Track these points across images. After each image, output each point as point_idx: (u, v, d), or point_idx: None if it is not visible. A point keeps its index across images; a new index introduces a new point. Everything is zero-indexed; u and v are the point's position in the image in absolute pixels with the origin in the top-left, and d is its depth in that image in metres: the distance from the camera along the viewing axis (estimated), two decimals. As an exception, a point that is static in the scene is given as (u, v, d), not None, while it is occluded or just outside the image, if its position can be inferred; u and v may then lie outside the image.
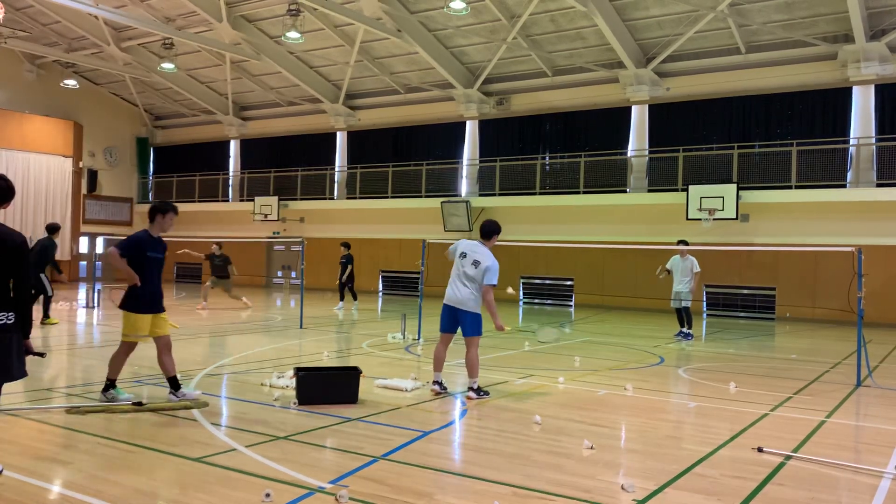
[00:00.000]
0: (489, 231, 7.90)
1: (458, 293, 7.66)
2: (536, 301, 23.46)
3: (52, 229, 13.96)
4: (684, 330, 13.86)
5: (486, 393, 7.72)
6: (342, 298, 19.44)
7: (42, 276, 13.36)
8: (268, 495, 4.34)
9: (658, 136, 21.94)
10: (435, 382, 7.81)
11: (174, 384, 7.14)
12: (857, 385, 8.99)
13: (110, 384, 7.06)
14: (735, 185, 19.32)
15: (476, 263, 7.65)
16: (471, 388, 7.65)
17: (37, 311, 13.24)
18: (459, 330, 7.74)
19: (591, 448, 5.72)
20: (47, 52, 27.21)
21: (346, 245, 19.64)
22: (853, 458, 5.78)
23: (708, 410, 7.50)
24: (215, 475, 4.88)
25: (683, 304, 13.67)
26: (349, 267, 19.21)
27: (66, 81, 29.17)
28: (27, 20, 26.25)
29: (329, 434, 6.10)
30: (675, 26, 20.14)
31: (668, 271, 13.81)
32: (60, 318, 15.02)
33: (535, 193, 23.04)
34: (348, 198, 27.24)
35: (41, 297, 13.41)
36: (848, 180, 18.97)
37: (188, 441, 5.69)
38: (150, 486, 4.66)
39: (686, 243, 13.87)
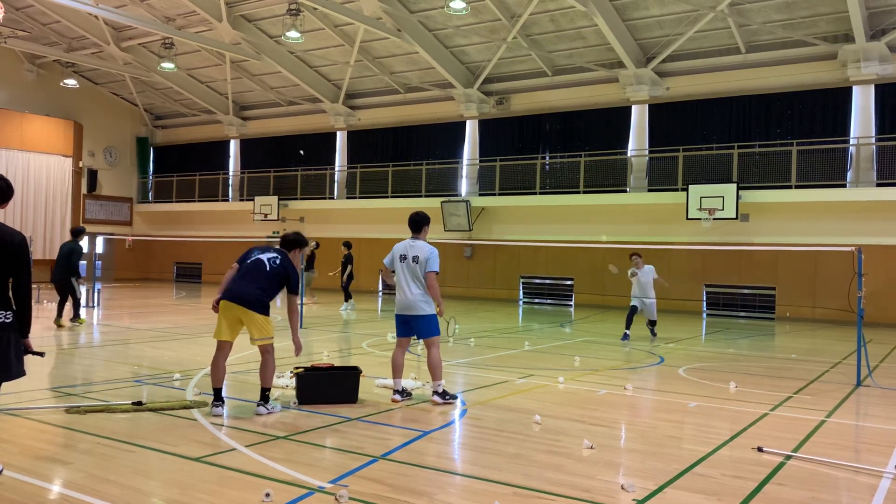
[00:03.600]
0: (417, 223, 7.53)
1: (407, 297, 7.30)
2: (537, 301, 23.46)
3: (78, 233, 14.04)
4: (628, 332, 13.57)
5: (454, 397, 7.39)
6: (348, 298, 19.45)
7: (73, 279, 13.58)
8: (268, 495, 4.34)
9: (658, 136, 21.94)
10: (395, 391, 7.44)
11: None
12: (857, 385, 8.98)
13: (266, 392, 6.80)
14: (735, 185, 19.31)
15: (416, 259, 7.32)
16: (435, 392, 7.28)
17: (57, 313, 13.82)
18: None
19: (591, 448, 5.72)
20: (47, 52, 27.20)
21: (348, 245, 19.57)
22: (853, 458, 5.78)
23: (708, 410, 7.50)
24: (215, 475, 4.88)
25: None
26: (349, 267, 19.21)
27: (66, 81, 29.16)
28: (27, 20, 26.24)
29: (329, 434, 6.10)
30: (675, 26, 20.13)
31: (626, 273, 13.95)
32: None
33: (535, 193, 23.03)
34: (348, 198, 27.23)
35: (71, 299, 13.74)
36: (848, 180, 18.96)
37: (188, 441, 5.69)
38: (150, 486, 4.66)
39: (639, 255, 13.90)
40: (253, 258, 6.80)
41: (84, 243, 14.87)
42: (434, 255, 7.34)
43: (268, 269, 6.70)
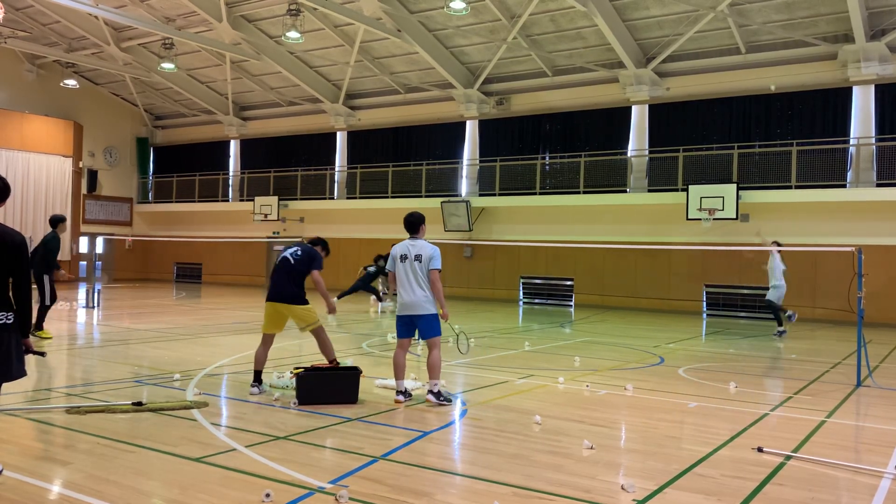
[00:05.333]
0: (414, 224, 7.47)
1: (413, 296, 7.25)
2: (537, 301, 23.45)
3: (56, 221, 11.83)
4: (779, 329, 14.78)
5: (449, 399, 7.33)
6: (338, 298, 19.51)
7: (46, 277, 11.45)
8: (268, 495, 4.34)
9: (658, 136, 21.93)
10: (398, 392, 7.39)
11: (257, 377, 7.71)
12: (857, 385, 8.98)
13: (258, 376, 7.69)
14: (735, 185, 19.30)
15: (419, 257, 7.28)
16: (430, 392, 7.26)
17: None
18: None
19: (591, 448, 5.72)
20: (47, 52, 27.19)
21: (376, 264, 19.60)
22: (853, 458, 5.78)
23: (708, 410, 7.50)
24: (215, 475, 4.88)
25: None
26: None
27: (66, 81, 29.16)
28: (27, 20, 26.23)
29: (329, 434, 6.10)
30: (675, 26, 20.13)
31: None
32: (61, 318, 14.98)
33: (535, 193, 23.03)
34: (348, 198, 27.23)
35: (39, 302, 11.36)
36: (848, 180, 18.95)
37: (188, 441, 5.69)
38: (150, 486, 4.66)
39: (778, 244, 15.05)
40: (279, 258, 7.91)
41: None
42: (437, 253, 7.33)
43: (292, 262, 7.78)
